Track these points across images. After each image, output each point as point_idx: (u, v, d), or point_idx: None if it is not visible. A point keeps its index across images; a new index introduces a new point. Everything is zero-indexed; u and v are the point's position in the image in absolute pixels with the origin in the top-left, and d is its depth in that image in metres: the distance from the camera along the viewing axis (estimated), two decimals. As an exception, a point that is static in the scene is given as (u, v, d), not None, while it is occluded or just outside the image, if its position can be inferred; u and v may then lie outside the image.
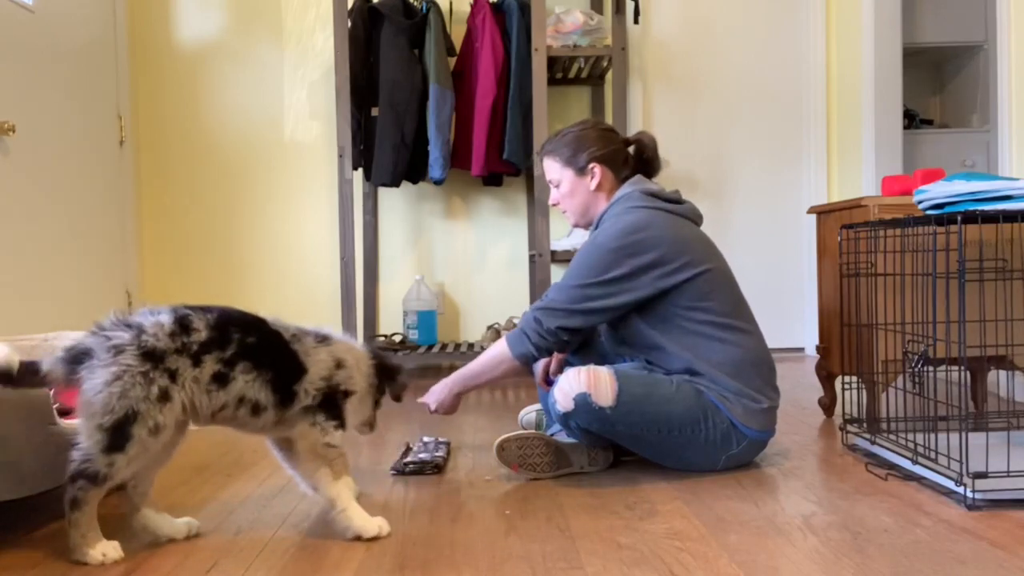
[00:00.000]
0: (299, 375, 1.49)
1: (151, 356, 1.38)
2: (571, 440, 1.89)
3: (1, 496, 1.49)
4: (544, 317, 1.89)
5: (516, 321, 3.68)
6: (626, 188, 2.00)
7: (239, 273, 3.95)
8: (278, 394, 1.47)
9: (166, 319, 1.42)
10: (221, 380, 1.43)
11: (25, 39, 3.00)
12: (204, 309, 1.47)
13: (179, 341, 1.40)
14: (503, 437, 1.87)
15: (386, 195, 3.98)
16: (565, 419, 1.82)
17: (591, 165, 2.01)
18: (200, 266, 3.95)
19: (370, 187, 3.91)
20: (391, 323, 3.96)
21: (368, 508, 1.68)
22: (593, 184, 2.02)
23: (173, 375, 1.39)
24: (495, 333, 3.63)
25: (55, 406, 1.62)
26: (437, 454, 2.01)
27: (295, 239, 3.98)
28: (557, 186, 2.07)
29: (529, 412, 2.30)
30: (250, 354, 1.45)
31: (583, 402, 1.77)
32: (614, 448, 1.94)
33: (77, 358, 1.39)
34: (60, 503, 1.43)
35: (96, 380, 1.37)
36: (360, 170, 3.72)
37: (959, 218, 1.64)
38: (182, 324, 1.42)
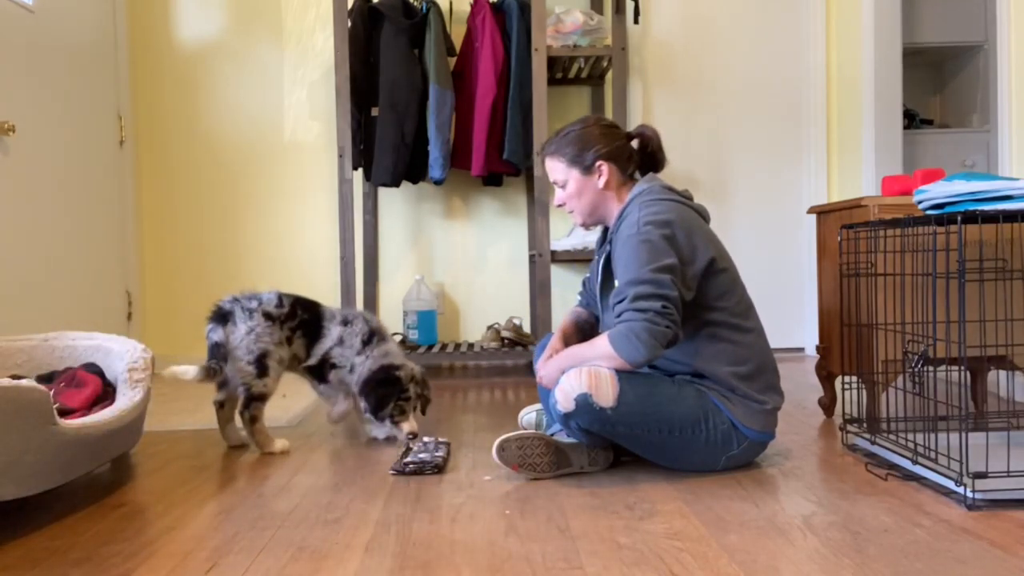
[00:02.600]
0: None
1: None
2: (571, 440, 1.89)
3: (1, 496, 1.49)
4: (644, 302, 1.75)
5: (516, 321, 3.68)
6: (643, 184, 1.98)
7: (239, 273, 3.95)
8: None
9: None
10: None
11: (25, 39, 3.00)
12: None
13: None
14: (503, 437, 1.86)
15: (386, 195, 3.98)
16: (566, 419, 1.82)
17: (598, 163, 1.98)
18: (200, 266, 3.95)
19: (370, 187, 3.91)
20: (391, 323, 3.94)
21: (368, 508, 1.68)
22: (601, 182, 1.98)
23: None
24: (495, 333, 3.63)
25: (55, 406, 1.62)
26: (437, 454, 2.01)
27: (295, 239, 3.98)
28: (563, 186, 2.02)
29: (529, 412, 2.30)
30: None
31: (584, 403, 1.77)
32: (614, 448, 1.94)
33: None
34: (60, 503, 1.44)
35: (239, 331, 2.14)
36: (360, 170, 3.72)
37: (959, 218, 1.64)
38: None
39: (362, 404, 2.25)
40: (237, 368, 2.15)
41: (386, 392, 2.20)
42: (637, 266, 1.80)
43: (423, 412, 2.35)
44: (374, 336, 2.28)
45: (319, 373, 2.25)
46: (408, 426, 2.23)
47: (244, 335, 2.15)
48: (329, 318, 2.28)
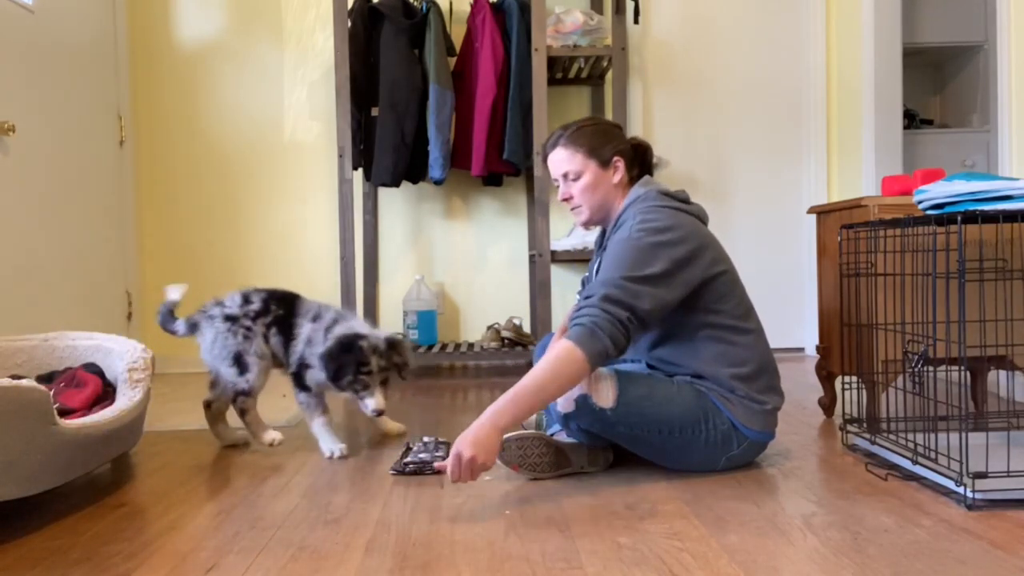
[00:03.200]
0: None
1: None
2: (571, 440, 1.89)
3: (1, 496, 1.49)
4: (611, 306, 1.71)
5: (516, 321, 3.68)
6: (640, 189, 1.96)
7: (239, 273, 3.95)
8: None
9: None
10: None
11: (25, 39, 3.00)
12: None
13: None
14: (503, 437, 1.86)
15: (386, 195, 3.98)
16: (566, 420, 1.82)
17: (615, 158, 1.96)
18: (200, 266, 3.95)
19: (370, 187, 3.91)
20: (391, 323, 3.96)
21: (368, 508, 1.68)
22: (616, 178, 1.96)
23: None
24: (495, 333, 3.63)
25: (55, 406, 1.62)
26: (437, 454, 2.01)
27: (295, 239, 3.98)
28: (576, 178, 1.96)
29: (529, 412, 2.29)
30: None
31: (584, 403, 1.77)
32: (614, 448, 1.94)
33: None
34: (60, 503, 1.45)
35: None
36: (360, 170, 3.72)
37: (959, 218, 1.64)
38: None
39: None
40: (221, 373, 2.20)
41: (343, 360, 2.05)
42: (616, 269, 1.77)
43: (402, 377, 2.17)
44: (337, 322, 2.16)
45: (299, 380, 2.17)
46: (373, 402, 2.06)
47: (211, 343, 2.20)
48: (304, 314, 2.19)
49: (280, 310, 2.21)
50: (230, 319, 2.20)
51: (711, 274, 1.87)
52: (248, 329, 2.19)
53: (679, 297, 1.82)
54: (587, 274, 2.21)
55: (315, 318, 2.18)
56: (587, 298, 1.77)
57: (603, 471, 1.92)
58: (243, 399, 2.18)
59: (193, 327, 2.25)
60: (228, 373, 2.18)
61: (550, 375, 1.66)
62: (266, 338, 2.21)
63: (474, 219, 4.02)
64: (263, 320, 2.21)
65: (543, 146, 2.05)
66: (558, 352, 1.67)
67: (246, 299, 2.23)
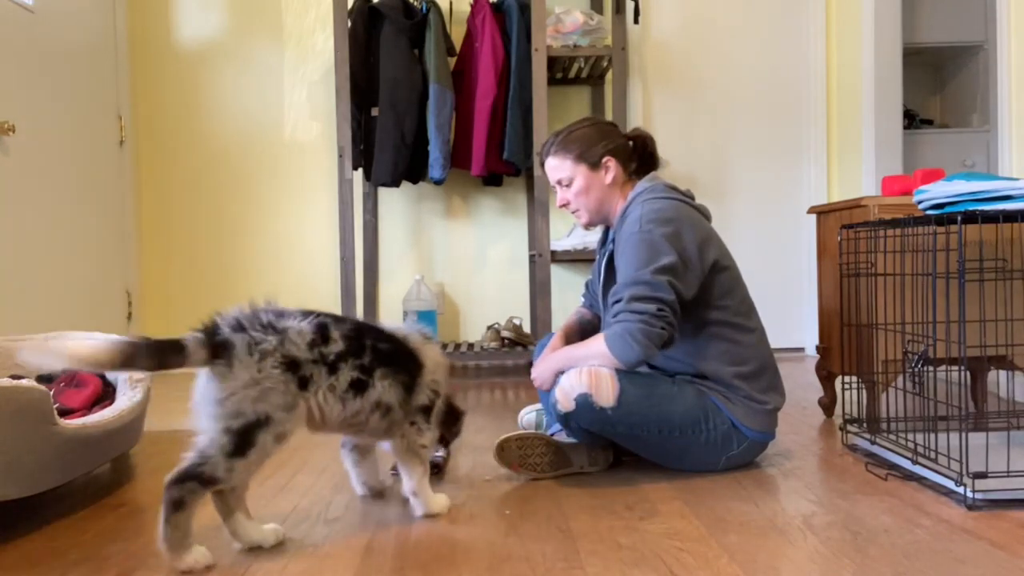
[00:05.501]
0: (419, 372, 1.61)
1: (291, 365, 1.39)
2: (571, 440, 1.89)
3: (2, 496, 1.49)
4: (640, 304, 1.76)
5: (516, 321, 3.68)
6: (645, 183, 1.97)
7: (239, 273, 3.95)
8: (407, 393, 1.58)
9: (307, 327, 1.43)
10: (359, 387, 1.48)
11: (25, 39, 3.00)
12: (338, 319, 1.50)
13: (317, 351, 1.42)
14: (503, 437, 1.86)
15: (386, 195, 3.98)
16: (566, 419, 1.82)
17: (605, 159, 1.96)
18: (200, 266, 3.95)
19: (370, 187, 3.91)
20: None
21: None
22: (609, 178, 1.97)
23: (306, 384, 1.41)
24: (495, 333, 3.63)
25: (55, 406, 1.62)
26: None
27: (295, 239, 3.98)
28: (568, 184, 1.98)
29: (529, 412, 2.30)
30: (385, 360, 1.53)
31: (584, 403, 1.77)
32: (614, 448, 1.94)
33: (217, 350, 1.35)
34: (60, 503, 1.44)
35: (235, 381, 1.35)
36: (360, 170, 3.72)
37: (959, 218, 1.64)
38: (322, 333, 1.44)
39: None
40: None
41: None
42: (636, 266, 1.80)
43: None
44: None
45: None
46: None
47: None
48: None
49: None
50: None
51: (715, 269, 1.87)
52: None
53: (697, 282, 1.84)
54: (591, 277, 2.21)
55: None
56: (616, 301, 1.80)
57: (603, 471, 1.92)
58: None
59: None
60: None
61: (590, 359, 1.83)
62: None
63: (474, 219, 4.02)
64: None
65: (542, 149, 2.06)
66: (600, 345, 1.80)
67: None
